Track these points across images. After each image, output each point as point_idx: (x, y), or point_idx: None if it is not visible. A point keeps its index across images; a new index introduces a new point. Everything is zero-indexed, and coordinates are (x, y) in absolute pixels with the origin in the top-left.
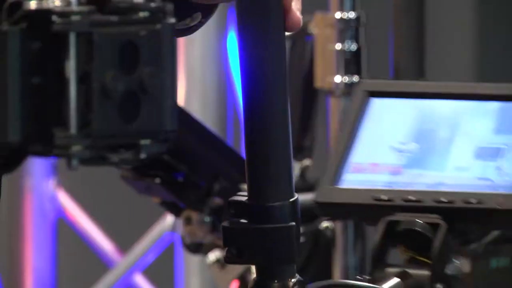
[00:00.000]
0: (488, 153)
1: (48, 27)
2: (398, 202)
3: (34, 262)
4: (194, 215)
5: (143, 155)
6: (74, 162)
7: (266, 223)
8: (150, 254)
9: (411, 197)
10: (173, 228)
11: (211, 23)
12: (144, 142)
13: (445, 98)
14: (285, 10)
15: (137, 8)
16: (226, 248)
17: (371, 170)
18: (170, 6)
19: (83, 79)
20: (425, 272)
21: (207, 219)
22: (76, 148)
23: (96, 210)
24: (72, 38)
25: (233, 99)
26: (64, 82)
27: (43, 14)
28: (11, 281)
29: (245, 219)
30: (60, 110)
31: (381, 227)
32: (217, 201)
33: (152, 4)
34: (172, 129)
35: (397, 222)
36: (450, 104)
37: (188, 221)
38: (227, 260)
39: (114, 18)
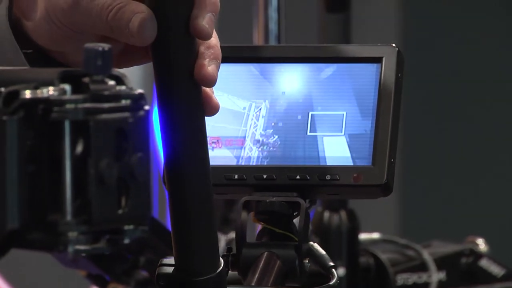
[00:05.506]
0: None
1: (44, 116)
2: (251, 181)
3: None
4: None
5: (126, 240)
6: (71, 248)
7: None
8: None
9: (264, 175)
10: None
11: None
12: (128, 227)
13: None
14: (205, 96)
15: (120, 96)
16: None
17: (215, 145)
18: (144, 94)
19: (78, 166)
20: (291, 252)
21: None
22: (72, 235)
23: (22, 283)
24: (67, 126)
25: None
26: (59, 169)
27: (40, 103)
28: None
29: None
30: (56, 198)
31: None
32: (143, 274)
33: (134, 92)
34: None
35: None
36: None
37: None
38: None
39: (105, 105)
